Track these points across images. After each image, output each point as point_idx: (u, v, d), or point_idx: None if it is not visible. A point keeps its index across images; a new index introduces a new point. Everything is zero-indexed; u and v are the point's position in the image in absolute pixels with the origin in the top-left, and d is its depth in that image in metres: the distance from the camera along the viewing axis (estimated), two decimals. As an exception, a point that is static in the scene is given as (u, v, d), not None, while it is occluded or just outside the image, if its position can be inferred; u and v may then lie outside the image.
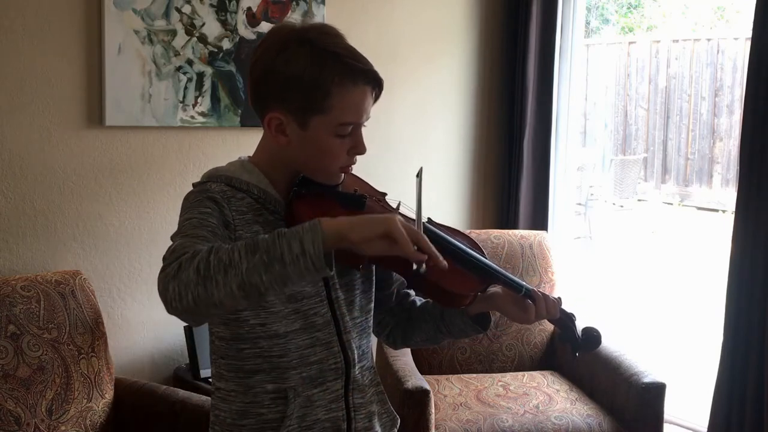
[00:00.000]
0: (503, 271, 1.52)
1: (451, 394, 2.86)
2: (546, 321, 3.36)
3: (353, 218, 1.21)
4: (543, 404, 2.81)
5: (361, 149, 1.42)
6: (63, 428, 2.34)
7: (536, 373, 3.08)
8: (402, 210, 1.51)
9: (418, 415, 2.51)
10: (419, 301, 1.64)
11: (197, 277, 1.17)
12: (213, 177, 1.43)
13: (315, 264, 1.17)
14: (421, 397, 2.52)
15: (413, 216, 1.45)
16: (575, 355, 1.59)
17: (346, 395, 1.46)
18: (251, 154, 1.49)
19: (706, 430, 3.02)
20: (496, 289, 1.52)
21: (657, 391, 2.66)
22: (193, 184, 1.46)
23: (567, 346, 1.59)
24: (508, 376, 3.05)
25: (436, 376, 3.01)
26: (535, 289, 1.52)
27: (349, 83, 1.35)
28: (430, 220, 1.53)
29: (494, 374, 3.08)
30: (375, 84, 1.39)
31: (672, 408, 3.17)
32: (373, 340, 1.61)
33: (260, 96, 1.41)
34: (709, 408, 2.99)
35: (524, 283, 1.52)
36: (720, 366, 2.95)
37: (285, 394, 1.41)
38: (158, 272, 1.23)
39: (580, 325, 1.59)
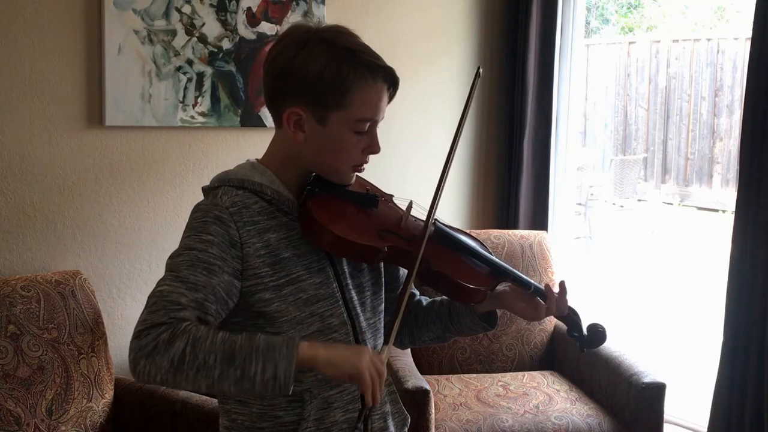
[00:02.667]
0: (513, 269, 1.56)
1: (451, 394, 2.86)
2: (546, 321, 3.36)
3: (331, 353, 1.29)
4: (543, 404, 2.81)
5: (375, 148, 1.43)
6: (63, 428, 2.34)
7: (536, 373, 3.08)
8: (413, 211, 1.53)
9: (418, 415, 2.51)
10: (425, 300, 1.66)
11: (170, 366, 1.22)
12: (224, 181, 1.43)
13: (282, 390, 1.24)
14: (421, 397, 2.52)
15: (423, 218, 1.48)
16: (582, 351, 1.64)
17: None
18: (258, 157, 1.48)
19: (706, 430, 3.02)
20: (504, 287, 1.55)
21: (657, 391, 2.66)
22: (203, 189, 1.45)
23: (575, 343, 1.64)
24: (508, 376, 3.05)
25: (436, 376, 3.01)
26: (543, 286, 1.55)
27: (369, 79, 1.37)
28: (438, 222, 1.55)
29: (494, 374, 3.08)
30: (392, 82, 1.41)
31: (672, 408, 3.17)
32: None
33: (278, 93, 1.41)
34: (709, 408, 2.99)
35: (533, 281, 1.55)
36: (720, 366, 2.95)
37: (301, 396, 1.41)
38: (138, 318, 1.26)
39: (584, 322, 1.63)
